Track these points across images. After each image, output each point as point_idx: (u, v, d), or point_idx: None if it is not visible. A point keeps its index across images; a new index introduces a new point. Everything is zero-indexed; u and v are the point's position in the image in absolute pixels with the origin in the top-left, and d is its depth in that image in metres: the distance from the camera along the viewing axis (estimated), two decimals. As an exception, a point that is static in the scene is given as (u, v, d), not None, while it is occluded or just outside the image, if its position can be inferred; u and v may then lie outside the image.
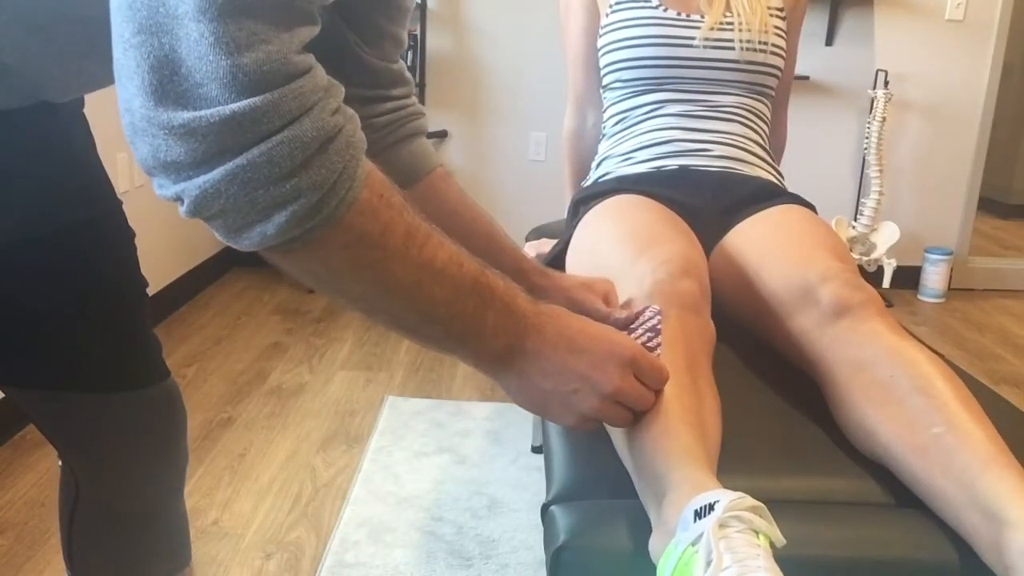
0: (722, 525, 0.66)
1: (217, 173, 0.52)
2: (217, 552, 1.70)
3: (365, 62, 0.91)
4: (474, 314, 0.66)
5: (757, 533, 0.67)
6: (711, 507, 0.68)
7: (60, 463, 0.95)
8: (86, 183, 0.86)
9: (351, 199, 0.56)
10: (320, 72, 0.55)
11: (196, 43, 0.49)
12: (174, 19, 0.50)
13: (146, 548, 0.96)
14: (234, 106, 0.50)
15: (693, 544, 0.67)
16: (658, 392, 0.81)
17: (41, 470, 1.97)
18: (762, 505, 0.69)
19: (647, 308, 0.97)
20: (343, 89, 0.58)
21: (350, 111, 0.58)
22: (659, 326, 0.93)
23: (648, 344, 0.91)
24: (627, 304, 1.04)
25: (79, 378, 0.86)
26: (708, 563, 0.64)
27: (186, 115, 0.51)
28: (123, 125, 0.53)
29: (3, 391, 0.89)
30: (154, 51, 0.50)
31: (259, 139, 0.51)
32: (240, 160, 0.52)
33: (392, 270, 0.60)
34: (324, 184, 0.54)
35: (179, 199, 0.54)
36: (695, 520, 0.68)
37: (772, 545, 0.68)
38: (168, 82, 0.51)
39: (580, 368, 0.71)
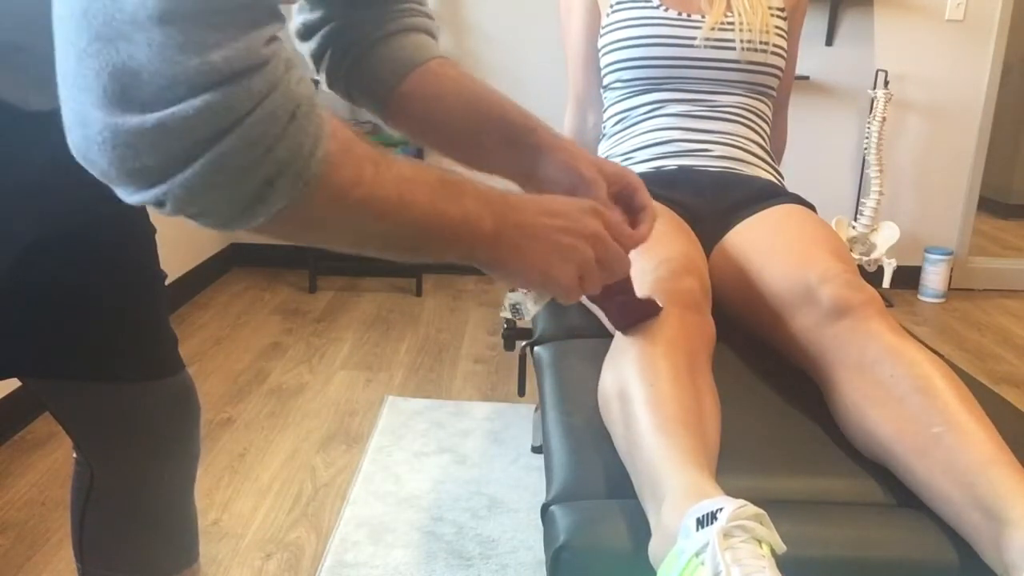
0: (726, 535, 0.66)
1: (198, 167, 0.52)
2: (217, 552, 1.70)
3: None
4: (454, 206, 0.70)
5: (760, 542, 0.67)
6: (714, 516, 0.67)
7: (75, 454, 0.96)
8: None
9: (323, 155, 0.58)
10: (283, 52, 0.57)
11: (161, 47, 0.49)
12: (134, 24, 0.49)
13: (158, 540, 0.97)
14: (207, 96, 0.50)
15: (697, 555, 0.66)
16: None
17: (41, 470, 1.97)
18: (763, 512, 0.69)
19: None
20: (300, 60, 0.60)
21: (306, 77, 0.60)
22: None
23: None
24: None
25: (101, 368, 0.88)
26: (716, 575, 0.64)
27: (156, 116, 0.50)
28: (72, 142, 0.53)
29: (21, 381, 0.90)
30: (113, 58, 0.50)
31: (234, 123, 0.52)
32: (219, 148, 0.52)
33: (376, 199, 0.64)
34: (301, 150, 0.56)
35: (160, 202, 0.54)
36: (698, 528, 0.67)
37: (773, 552, 0.68)
38: (132, 88, 0.50)
39: (557, 223, 0.77)
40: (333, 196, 0.60)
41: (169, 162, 0.52)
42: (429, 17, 0.97)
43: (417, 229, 0.68)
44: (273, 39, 0.56)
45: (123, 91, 0.50)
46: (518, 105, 0.98)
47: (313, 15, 0.93)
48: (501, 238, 0.74)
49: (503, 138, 0.95)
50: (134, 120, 0.50)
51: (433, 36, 0.98)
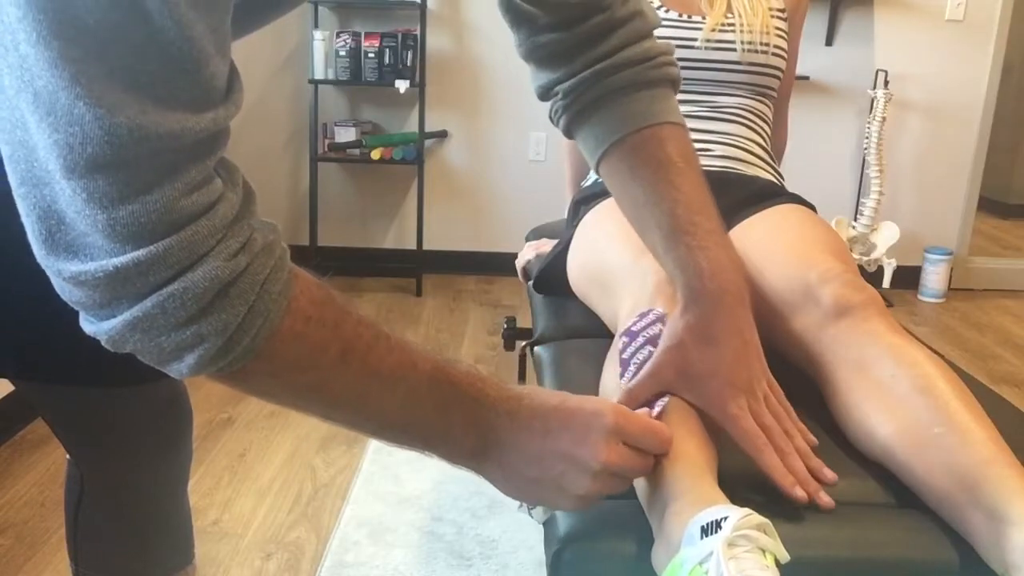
0: (730, 545, 0.66)
1: (118, 321, 0.52)
2: (217, 552, 1.70)
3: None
4: (436, 414, 0.64)
5: (764, 552, 0.67)
6: (719, 524, 0.67)
7: (68, 457, 0.96)
8: None
9: (267, 332, 0.54)
10: (224, 208, 0.53)
11: (71, 199, 0.48)
12: (48, 174, 0.49)
13: (150, 543, 0.96)
14: (116, 261, 0.49)
15: (701, 563, 0.66)
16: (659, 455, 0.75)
17: (41, 470, 1.97)
18: (768, 522, 0.69)
19: (649, 312, 0.95)
20: (254, 216, 0.56)
21: (264, 241, 0.55)
22: (658, 335, 0.87)
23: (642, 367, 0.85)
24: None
25: (90, 373, 0.86)
26: None
27: (75, 267, 0.50)
28: None
29: (13, 384, 0.89)
30: (39, 202, 0.50)
31: (150, 290, 0.51)
32: (135, 311, 0.51)
33: (331, 387, 0.59)
34: (228, 327, 0.53)
35: (96, 337, 0.54)
36: (702, 537, 0.67)
37: (777, 562, 0.68)
38: (57, 231, 0.50)
39: (561, 448, 0.66)
40: (274, 372, 0.56)
41: (93, 305, 0.52)
42: (638, 62, 0.87)
43: (379, 426, 0.64)
44: (205, 182, 0.51)
45: (50, 234, 0.50)
46: (696, 214, 0.86)
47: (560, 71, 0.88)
48: (487, 459, 0.67)
49: (659, 243, 0.88)
50: (58, 264, 0.51)
51: (675, 82, 0.90)
